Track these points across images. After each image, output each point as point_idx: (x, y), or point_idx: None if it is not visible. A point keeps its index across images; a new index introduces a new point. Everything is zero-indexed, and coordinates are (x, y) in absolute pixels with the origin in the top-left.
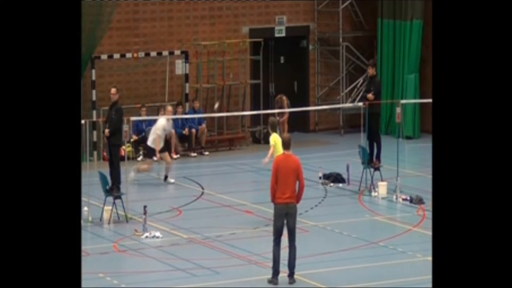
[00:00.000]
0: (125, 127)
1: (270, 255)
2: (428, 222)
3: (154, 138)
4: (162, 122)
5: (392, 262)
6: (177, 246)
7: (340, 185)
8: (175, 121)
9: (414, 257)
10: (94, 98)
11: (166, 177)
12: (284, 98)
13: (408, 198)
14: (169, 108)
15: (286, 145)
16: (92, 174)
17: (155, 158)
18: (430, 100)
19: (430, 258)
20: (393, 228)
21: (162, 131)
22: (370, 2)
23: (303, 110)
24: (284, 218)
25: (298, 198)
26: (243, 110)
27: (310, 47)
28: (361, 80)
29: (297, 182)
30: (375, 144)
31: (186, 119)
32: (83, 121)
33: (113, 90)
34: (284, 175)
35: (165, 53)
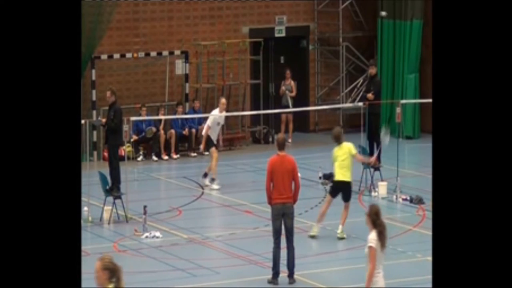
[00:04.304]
0: (125, 127)
1: (270, 255)
2: (428, 222)
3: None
4: (214, 114)
5: (392, 262)
6: (177, 246)
7: None
8: (175, 121)
9: (414, 257)
10: (94, 98)
11: (205, 174)
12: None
13: (408, 198)
14: (223, 100)
15: (280, 145)
16: (92, 174)
17: (200, 148)
18: (430, 100)
19: (430, 258)
20: (393, 228)
21: (212, 122)
22: (370, 2)
23: (303, 110)
24: (282, 218)
25: (294, 198)
26: (243, 110)
27: (310, 47)
28: (361, 80)
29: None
30: (375, 144)
31: (186, 119)
32: (83, 121)
33: (108, 93)
34: (280, 176)
35: (165, 53)
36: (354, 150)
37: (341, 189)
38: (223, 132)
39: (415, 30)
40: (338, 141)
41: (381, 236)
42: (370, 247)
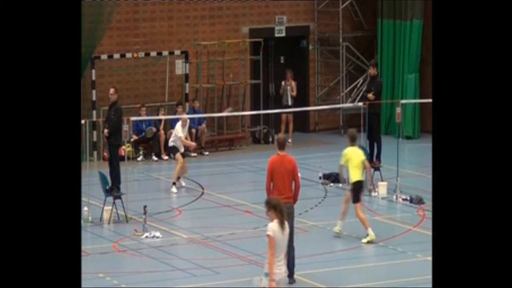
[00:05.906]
0: (125, 127)
1: None
2: (428, 222)
3: (174, 140)
4: (177, 127)
5: (392, 262)
6: (177, 246)
7: (340, 185)
8: (175, 121)
9: (414, 257)
10: (94, 98)
11: (174, 183)
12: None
13: (408, 198)
14: (185, 117)
15: (280, 145)
16: (92, 174)
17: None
18: (430, 100)
19: (430, 258)
20: (393, 228)
21: (182, 132)
22: (370, 2)
23: (303, 110)
24: None
25: (295, 198)
26: (243, 110)
27: (310, 47)
28: (361, 80)
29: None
30: (375, 144)
31: None
32: (83, 121)
33: (112, 91)
34: (280, 176)
35: (165, 53)
36: (363, 156)
37: (358, 189)
38: (224, 132)
39: (415, 30)
40: (353, 142)
41: (281, 215)
42: (268, 235)
